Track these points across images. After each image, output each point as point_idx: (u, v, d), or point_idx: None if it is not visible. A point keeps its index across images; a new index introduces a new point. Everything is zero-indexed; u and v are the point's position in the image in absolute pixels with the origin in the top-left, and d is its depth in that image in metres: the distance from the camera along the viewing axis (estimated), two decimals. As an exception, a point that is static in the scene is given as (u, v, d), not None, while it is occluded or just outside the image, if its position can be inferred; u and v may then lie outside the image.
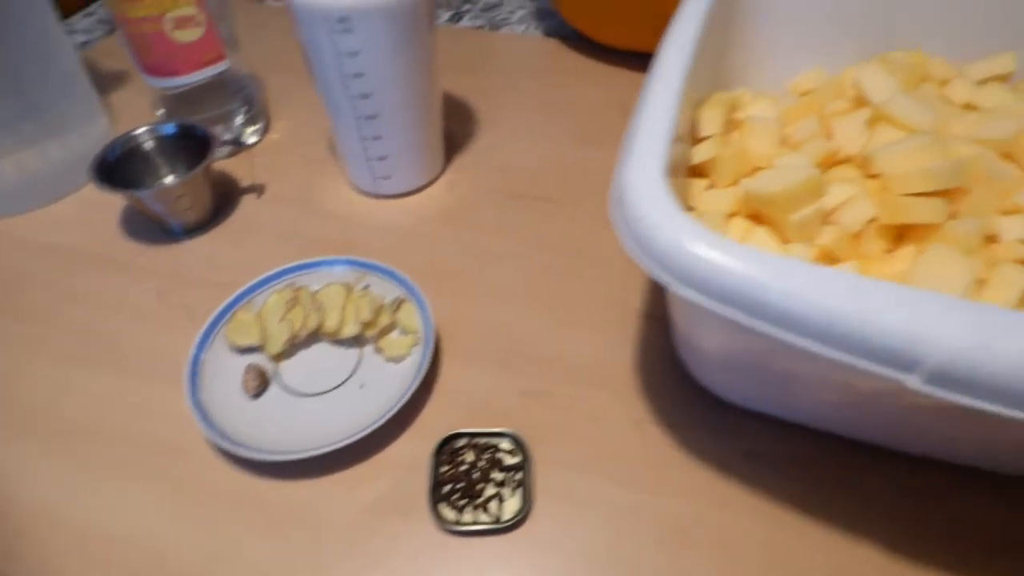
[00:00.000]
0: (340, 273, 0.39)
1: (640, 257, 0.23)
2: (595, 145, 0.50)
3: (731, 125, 0.36)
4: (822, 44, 0.41)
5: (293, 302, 0.37)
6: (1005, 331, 0.18)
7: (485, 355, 0.37)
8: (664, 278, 0.22)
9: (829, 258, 0.29)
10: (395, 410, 0.32)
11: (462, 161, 0.50)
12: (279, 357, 0.37)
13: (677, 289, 0.22)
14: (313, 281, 0.39)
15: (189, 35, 0.44)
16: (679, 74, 0.29)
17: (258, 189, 0.48)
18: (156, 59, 0.44)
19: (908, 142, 0.29)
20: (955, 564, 0.28)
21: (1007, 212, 0.28)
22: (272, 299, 0.37)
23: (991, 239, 0.28)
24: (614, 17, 0.54)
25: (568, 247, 0.43)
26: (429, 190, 0.48)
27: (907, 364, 0.19)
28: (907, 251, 0.29)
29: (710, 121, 0.34)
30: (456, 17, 0.69)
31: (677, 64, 0.29)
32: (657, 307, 0.39)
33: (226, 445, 0.31)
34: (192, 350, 0.35)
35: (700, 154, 0.34)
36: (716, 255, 0.21)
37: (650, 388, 0.35)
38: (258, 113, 0.52)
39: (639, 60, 0.58)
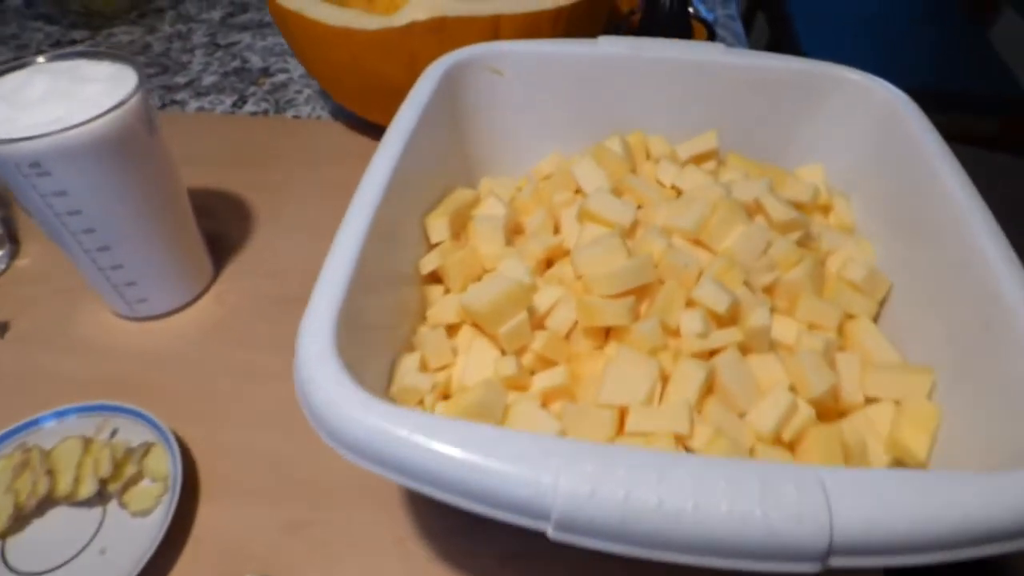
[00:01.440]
0: (78, 424, 0.37)
1: (307, 416, 0.23)
2: (372, 235, 0.50)
3: (463, 225, 0.37)
4: (557, 130, 0.43)
5: (22, 466, 0.34)
6: (607, 477, 0.19)
7: (246, 489, 0.35)
8: (325, 439, 0.22)
9: (545, 363, 0.31)
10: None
11: (235, 267, 0.48)
12: (5, 534, 0.33)
13: (335, 450, 0.22)
14: (48, 437, 0.36)
15: None
16: (369, 209, 0.29)
17: (0, 328, 0.44)
18: None
19: (600, 243, 0.31)
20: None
21: (691, 304, 0.31)
22: (-2, 466, 0.34)
23: (676, 333, 0.30)
24: (372, 99, 0.54)
25: (339, 352, 0.42)
26: (198, 304, 0.45)
27: (540, 515, 0.20)
28: (613, 347, 0.31)
29: (437, 230, 0.35)
30: (239, 103, 0.67)
31: (368, 198, 0.30)
32: (425, 407, 0.39)
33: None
34: None
35: (428, 263, 0.34)
36: (365, 418, 0.21)
37: (411, 501, 0.35)
38: (3, 236, 0.48)
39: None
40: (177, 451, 0.34)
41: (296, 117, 0.65)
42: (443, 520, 0.34)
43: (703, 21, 0.74)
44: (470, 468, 0.20)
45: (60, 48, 0.76)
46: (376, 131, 0.61)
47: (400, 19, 0.46)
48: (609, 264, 0.31)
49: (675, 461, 0.20)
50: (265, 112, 0.66)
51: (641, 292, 0.31)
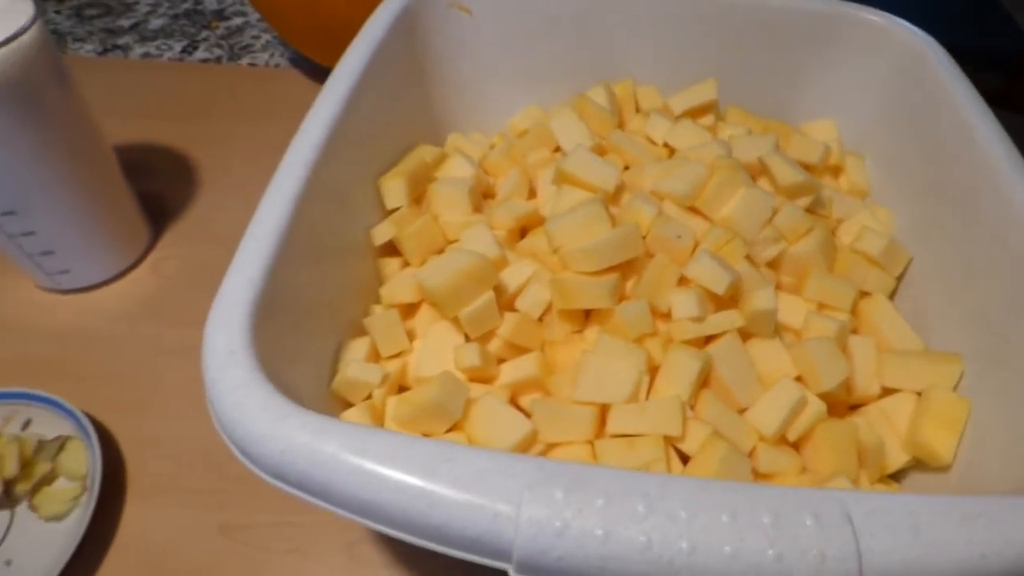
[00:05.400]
0: (-14, 413, 0.32)
1: (217, 427, 0.19)
2: (331, 197, 0.45)
3: (424, 188, 0.32)
4: (535, 79, 0.38)
5: (-84, 463, 0.30)
6: (582, 508, 0.15)
7: (179, 487, 0.31)
8: (238, 456, 0.18)
9: (514, 350, 0.26)
10: (46, 591, 0.26)
11: (175, 232, 0.43)
12: None
13: (252, 470, 0.18)
14: (-51, 429, 0.32)
15: None
16: (302, 168, 0.24)
17: (-95, 301, 0.39)
18: None
19: (579, 211, 0.27)
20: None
21: (684, 283, 0.26)
22: None
23: (666, 316, 0.26)
24: (337, 43, 0.48)
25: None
26: (132, 274, 0.41)
27: (498, 554, 0.16)
28: (593, 332, 0.27)
29: (393, 193, 0.30)
30: (190, 48, 0.61)
31: (304, 154, 0.25)
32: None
33: None
34: None
35: (382, 233, 0.30)
36: (282, 432, 0.17)
37: (366, 500, 0.31)
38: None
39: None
40: (97, 445, 0.30)
41: (252, 65, 0.59)
42: (401, 522, 0.30)
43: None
44: (412, 495, 0.16)
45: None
46: (338, 81, 0.55)
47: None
48: (589, 235, 0.26)
49: (666, 486, 0.16)
50: (218, 60, 0.59)
51: (626, 268, 0.27)
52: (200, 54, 0.60)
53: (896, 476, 0.25)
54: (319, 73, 0.56)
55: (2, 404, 0.32)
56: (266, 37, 0.62)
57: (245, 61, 0.59)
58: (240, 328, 0.19)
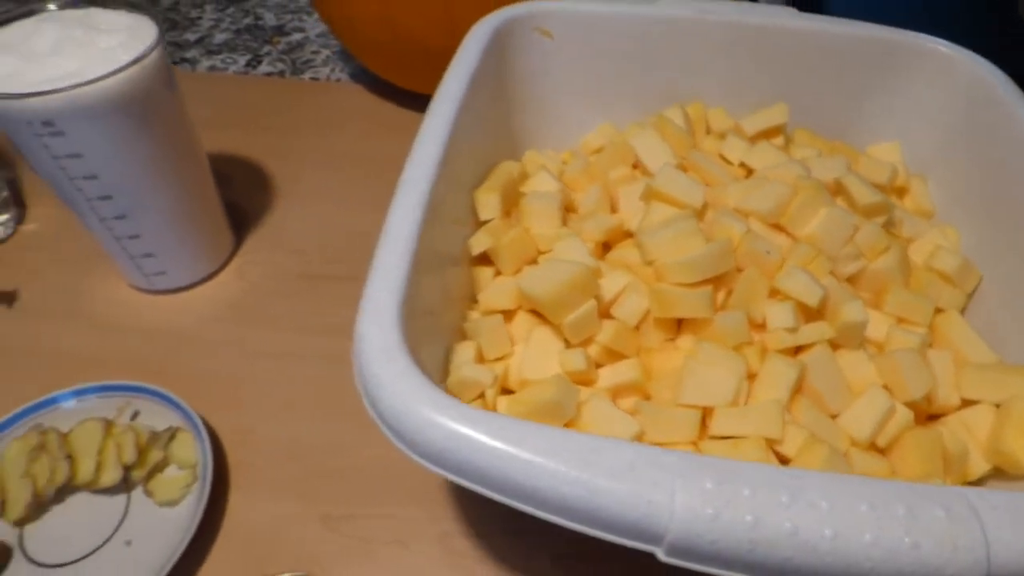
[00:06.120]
0: (98, 405, 0.34)
1: (373, 416, 0.21)
2: (402, 207, 0.47)
3: (513, 202, 0.34)
4: (608, 99, 0.40)
5: (38, 450, 0.31)
6: (730, 497, 0.17)
7: (280, 480, 0.33)
8: (396, 444, 0.20)
9: (612, 356, 0.28)
10: (166, 571, 0.28)
11: (255, 239, 0.45)
12: (23, 522, 0.31)
13: (410, 457, 0.20)
14: (64, 419, 0.33)
15: None
16: (424, 184, 0.26)
17: (7, 298, 0.41)
18: None
19: (673, 227, 0.28)
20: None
21: (773, 295, 0.28)
22: (12, 449, 0.32)
23: (759, 327, 0.28)
24: (400, 61, 0.51)
25: (372, 333, 0.39)
26: (219, 277, 0.43)
27: (651, 537, 0.18)
28: (686, 341, 0.28)
29: (487, 206, 0.32)
30: (254, 62, 0.63)
31: (421, 172, 0.27)
32: (466, 395, 0.37)
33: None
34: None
35: (479, 243, 0.32)
36: (445, 423, 0.19)
37: (454, 496, 0.33)
38: (9, 199, 0.45)
39: (448, 104, 0.56)
40: (206, 436, 0.32)
41: (314, 79, 0.61)
42: (491, 518, 0.32)
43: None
44: (570, 482, 0.18)
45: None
46: (401, 95, 0.57)
47: (440, -26, 0.42)
48: (683, 249, 0.28)
49: (804, 479, 0.17)
50: (281, 73, 0.62)
51: (717, 281, 0.28)
52: (264, 68, 0.62)
53: (976, 484, 0.27)
54: (381, 87, 0.58)
55: (115, 396, 0.34)
56: (326, 52, 0.65)
57: (307, 75, 0.62)
58: (392, 328, 0.21)
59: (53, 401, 0.34)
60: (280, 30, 0.68)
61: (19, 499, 0.30)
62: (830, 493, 0.17)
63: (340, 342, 0.38)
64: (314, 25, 0.69)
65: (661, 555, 0.18)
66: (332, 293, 0.42)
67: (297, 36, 0.67)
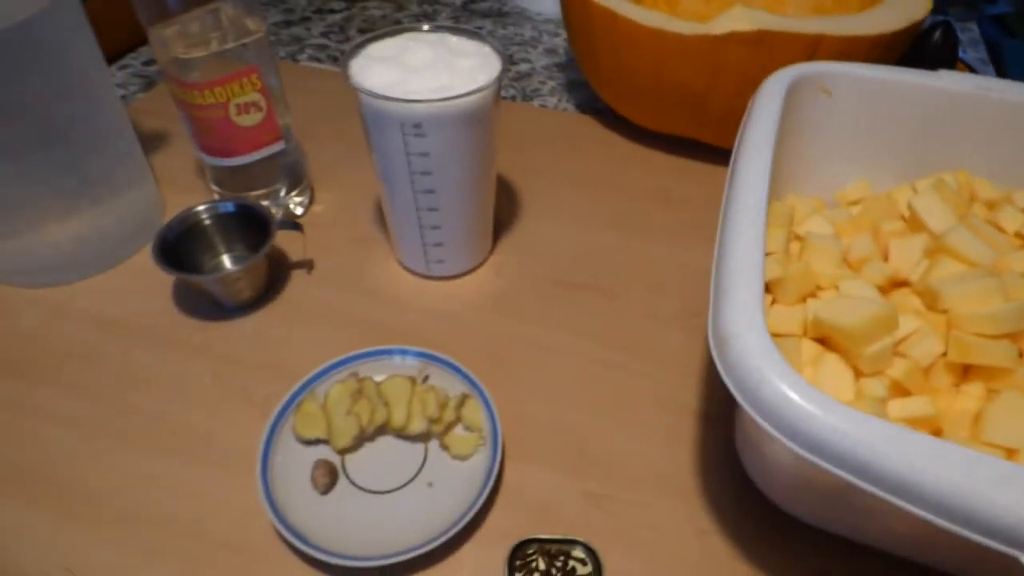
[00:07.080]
0: (402, 364, 0.40)
1: (747, 407, 0.24)
2: (635, 234, 0.51)
3: (789, 238, 0.38)
4: (868, 158, 0.43)
5: (358, 394, 0.37)
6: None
7: (545, 454, 0.37)
8: (777, 436, 0.23)
9: (901, 391, 0.31)
10: (468, 517, 0.33)
11: (507, 242, 0.51)
12: (344, 451, 0.37)
13: (790, 448, 0.23)
14: (375, 371, 0.40)
15: (251, 119, 0.44)
16: (761, 207, 0.30)
17: (307, 265, 0.48)
18: (217, 142, 0.45)
19: (972, 282, 0.31)
20: None
21: (1068, 355, 0.30)
22: (336, 390, 0.38)
23: (1055, 383, 0.29)
24: (652, 102, 0.55)
25: (618, 341, 0.44)
26: (479, 271, 0.48)
27: (1020, 544, 0.20)
28: (974, 387, 0.31)
29: (774, 239, 0.36)
30: (491, 86, 0.70)
31: (757, 195, 0.31)
32: (713, 407, 0.40)
33: (304, 548, 0.31)
34: (261, 443, 0.35)
35: (768, 272, 0.35)
36: (834, 420, 0.22)
37: (711, 496, 0.36)
38: (303, 185, 0.53)
39: (674, 144, 0.60)
40: (493, 406, 0.37)
41: (543, 107, 0.67)
42: (748, 522, 0.35)
43: (963, 61, 0.71)
44: (952, 485, 0.21)
45: (325, 14, 0.82)
46: (631, 129, 0.62)
47: (719, 27, 0.46)
48: (985, 303, 0.30)
49: None
50: (513, 98, 0.68)
51: (1015, 337, 0.30)
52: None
53: None
54: (610, 119, 0.64)
55: (413, 360, 0.40)
56: (551, 83, 0.71)
57: (536, 103, 0.68)
58: (763, 331, 0.25)
59: (367, 355, 0.40)
60: (510, 59, 0.75)
61: (346, 432, 0.36)
62: None
63: (596, 347, 0.43)
64: (539, 57, 0.75)
65: (1028, 560, 0.20)
66: (579, 299, 0.46)
67: (524, 67, 0.74)
